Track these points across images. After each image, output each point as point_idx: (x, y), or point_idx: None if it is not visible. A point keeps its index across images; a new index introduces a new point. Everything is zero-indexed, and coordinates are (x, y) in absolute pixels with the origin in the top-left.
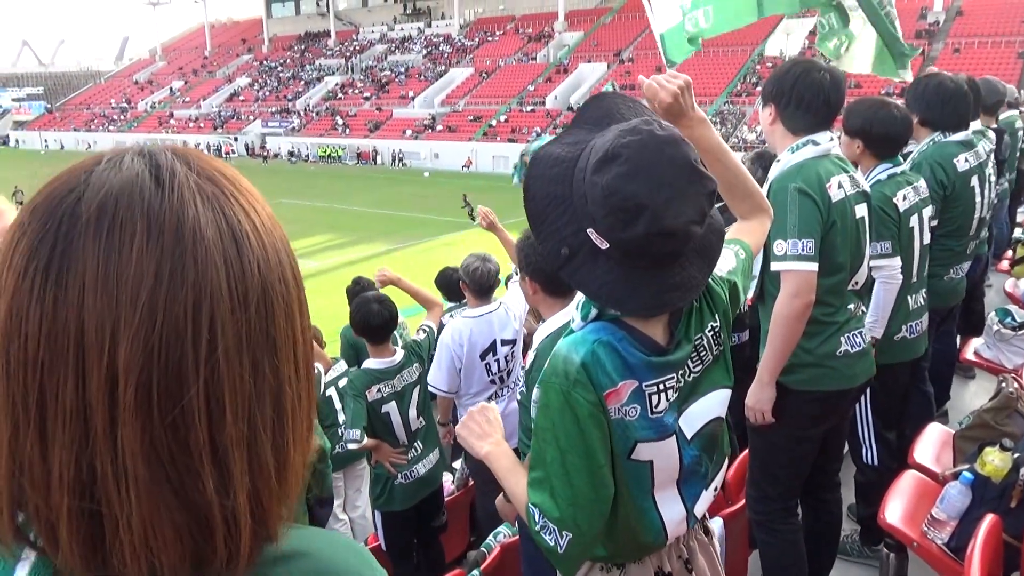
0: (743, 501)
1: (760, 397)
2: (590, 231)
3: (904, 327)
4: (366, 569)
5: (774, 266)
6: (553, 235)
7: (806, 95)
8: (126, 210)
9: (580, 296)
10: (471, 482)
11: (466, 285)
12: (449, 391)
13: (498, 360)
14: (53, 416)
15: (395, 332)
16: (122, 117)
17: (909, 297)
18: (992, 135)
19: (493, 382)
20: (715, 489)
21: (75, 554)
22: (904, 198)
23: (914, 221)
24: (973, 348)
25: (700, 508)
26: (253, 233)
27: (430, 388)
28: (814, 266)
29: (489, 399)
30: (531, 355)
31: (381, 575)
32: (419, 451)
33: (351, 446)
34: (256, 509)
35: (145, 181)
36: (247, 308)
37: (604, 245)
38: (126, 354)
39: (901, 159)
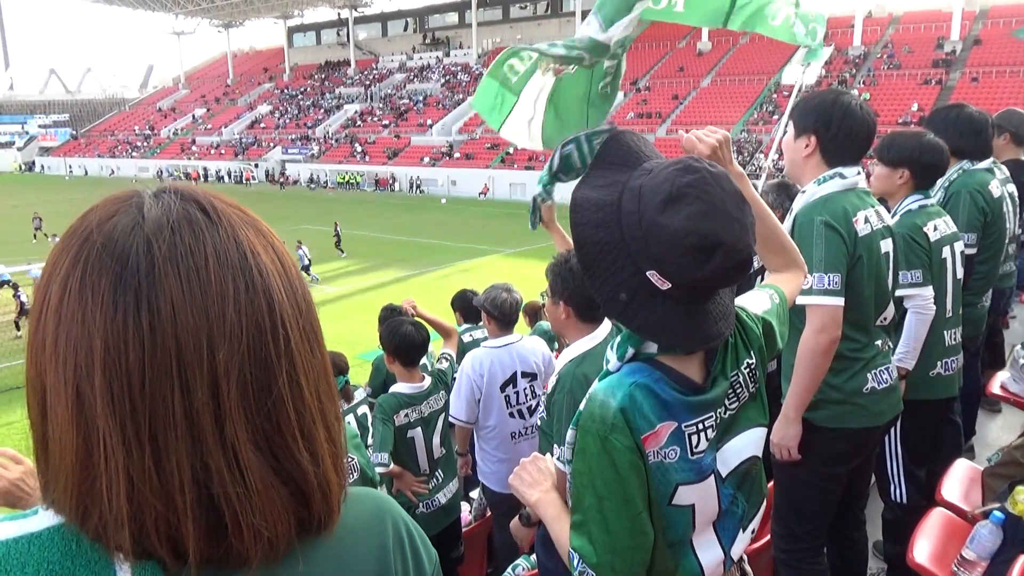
0: (767, 537)
1: (785, 433)
2: (650, 273)
3: (940, 363)
4: (392, 501)
5: (799, 300)
6: (609, 281)
7: (855, 127)
8: (192, 241)
9: (603, 329)
10: (488, 513)
11: (490, 316)
12: (468, 421)
13: (518, 392)
14: (164, 428)
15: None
16: (145, 144)
17: (945, 332)
18: (1005, 167)
19: (512, 415)
20: (752, 532)
21: (200, 548)
22: (935, 228)
23: (946, 252)
24: (999, 382)
25: (736, 550)
26: (279, 245)
27: (451, 418)
28: (840, 301)
29: (512, 437)
30: (553, 379)
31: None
32: (440, 480)
33: (379, 470)
34: (338, 470)
35: (195, 214)
36: (298, 304)
37: (665, 286)
38: (224, 359)
39: (930, 192)
